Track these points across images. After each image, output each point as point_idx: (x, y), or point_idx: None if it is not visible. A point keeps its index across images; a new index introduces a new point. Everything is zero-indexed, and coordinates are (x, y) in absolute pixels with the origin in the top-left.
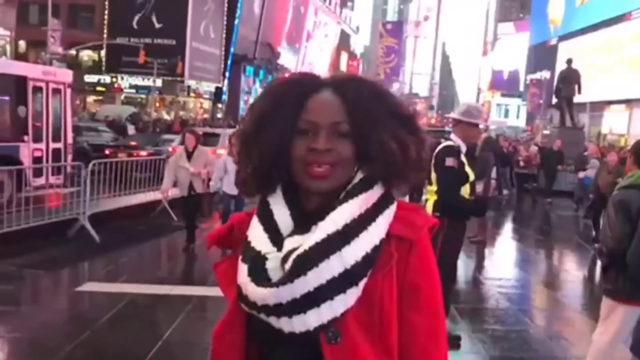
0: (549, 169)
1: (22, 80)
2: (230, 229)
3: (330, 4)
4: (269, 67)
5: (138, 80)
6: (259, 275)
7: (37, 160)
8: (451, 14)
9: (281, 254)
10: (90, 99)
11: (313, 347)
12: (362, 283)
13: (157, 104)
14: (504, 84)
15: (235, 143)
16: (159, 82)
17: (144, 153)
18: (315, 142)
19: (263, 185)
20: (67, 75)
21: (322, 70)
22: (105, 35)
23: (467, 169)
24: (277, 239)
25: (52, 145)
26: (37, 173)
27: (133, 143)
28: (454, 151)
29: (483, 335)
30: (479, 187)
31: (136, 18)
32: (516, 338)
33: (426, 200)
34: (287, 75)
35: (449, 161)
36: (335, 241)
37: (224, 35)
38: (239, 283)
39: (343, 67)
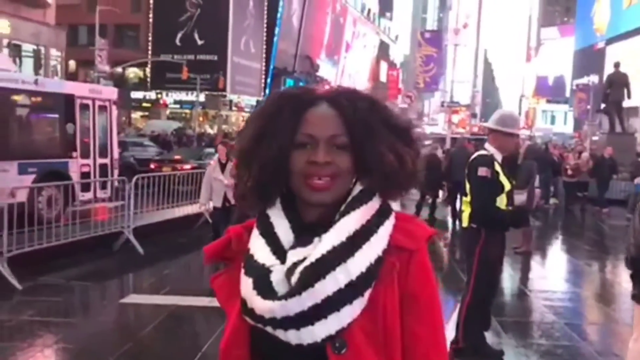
0: (601, 177)
1: (70, 99)
2: (228, 242)
3: (368, 14)
4: (309, 80)
5: (182, 96)
6: (265, 289)
7: (84, 175)
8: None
9: (285, 267)
10: (137, 114)
11: (318, 358)
12: (367, 293)
13: (201, 119)
14: (549, 90)
15: (234, 158)
16: (202, 97)
17: (187, 167)
18: (314, 155)
19: (263, 198)
20: (112, 92)
21: (362, 81)
22: (150, 53)
23: (502, 178)
24: (279, 252)
25: (99, 161)
26: (85, 188)
27: (177, 157)
28: (487, 161)
29: (528, 350)
30: (523, 197)
31: (179, 35)
32: (563, 353)
33: (461, 211)
34: (283, 89)
35: (482, 171)
36: (340, 253)
37: (264, 50)
38: (243, 296)
39: (383, 77)
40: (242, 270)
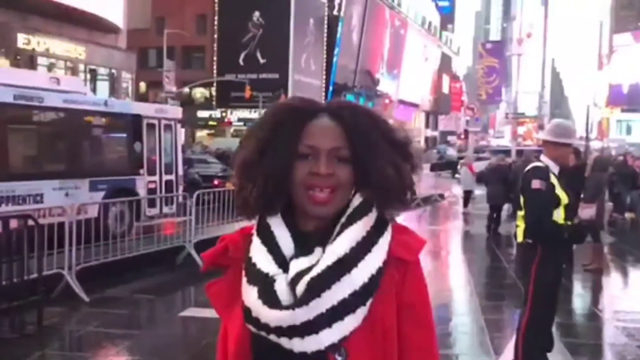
0: None
1: (137, 119)
2: (225, 249)
3: (429, 27)
4: (369, 94)
5: (246, 114)
6: (270, 298)
7: (151, 191)
8: (560, 28)
9: (288, 276)
10: (204, 133)
11: None
12: (368, 302)
13: None
14: (624, 99)
15: (236, 169)
16: None
17: None
18: (316, 166)
19: (266, 208)
20: (177, 111)
21: (423, 94)
22: (215, 73)
23: (559, 191)
24: (281, 260)
25: (165, 177)
26: (151, 204)
27: None
28: (541, 173)
29: None
30: (591, 211)
31: (242, 55)
32: None
33: (516, 226)
34: (283, 101)
35: (536, 183)
36: (345, 264)
37: (324, 66)
38: (247, 305)
39: (445, 89)
40: (245, 279)
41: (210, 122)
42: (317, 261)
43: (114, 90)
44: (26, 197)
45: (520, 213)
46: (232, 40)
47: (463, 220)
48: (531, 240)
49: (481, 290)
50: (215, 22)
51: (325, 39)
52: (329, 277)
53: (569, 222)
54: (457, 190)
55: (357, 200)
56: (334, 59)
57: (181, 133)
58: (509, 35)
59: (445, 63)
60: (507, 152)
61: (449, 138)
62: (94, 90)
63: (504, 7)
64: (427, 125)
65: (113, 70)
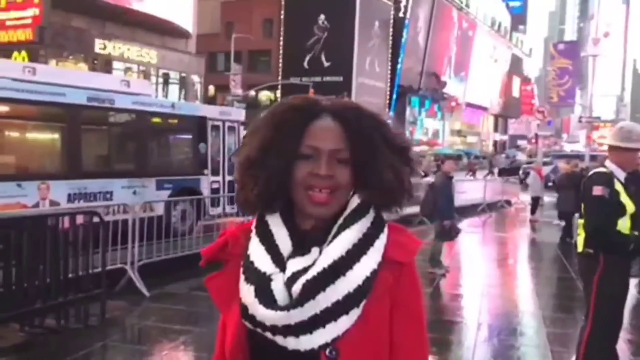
0: None
1: (202, 121)
2: (225, 244)
3: (499, 28)
4: (435, 97)
5: None
6: (267, 297)
7: (214, 191)
8: None
9: (284, 275)
10: None
11: None
12: (362, 304)
13: None
14: None
15: (238, 166)
16: None
17: None
18: (317, 167)
19: (266, 206)
20: (240, 114)
21: (492, 97)
22: (280, 77)
23: (624, 199)
24: (278, 260)
25: (228, 178)
26: (215, 203)
27: None
28: (604, 178)
29: None
30: None
31: (307, 58)
32: None
33: (577, 235)
34: (287, 100)
35: (597, 190)
36: (340, 266)
37: (388, 69)
38: (244, 302)
39: (515, 92)
40: (242, 277)
41: None
42: (314, 262)
43: (183, 93)
44: (97, 194)
45: (581, 221)
46: (297, 43)
47: (530, 228)
48: (592, 250)
49: (546, 301)
50: (281, 26)
51: (390, 41)
52: (324, 279)
53: (636, 233)
54: (526, 197)
55: (355, 201)
56: (399, 62)
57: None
58: (585, 35)
59: (515, 65)
60: (579, 157)
61: (519, 142)
62: (165, 93)
63: (580, 6)
64: (495, 129)
65: (183, 74)
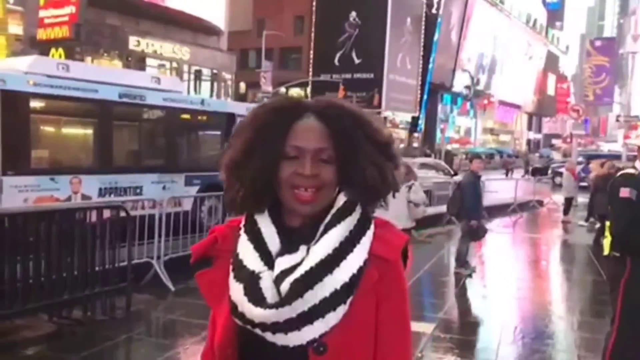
0: None
1: (231, 117)
2: (214, 241)
3: (534, 25)
4: (468, 94)
5: None
6: (256, 295)
7: None
8: None
9: (273, 273)
10: None
11: (299, 356)
12: (349, 300)
13: None
14: None
15: (224, 168)
16: None
17: None
18: (301, 167)
19: (253, 206)
20: None
21: (526, 95)
22: (310, 74)
23: None
24: (267, 257)
25: None
26: None
27: None
28: (632, 180)
29: None
30: None
31: (337, 55)
32: None
33: (604, 237)
34: (270, 102)
35: (624, 192)
36: (328, 264)
37: (420, 66)
38: (234, 300)
39: (551, 90)
40: (232, 274)
41: None
42: (302, 260)
43: (214, 90)
44: (127, 188)
45: (608, 223)
46: (328, 40)
47: (562, 229)
48: (619, 254)
49: (575, 305)
50: (313, 23)
51: (422, 38)
52: (312, 278)
53: None
54: (559, 197)
55: (341, 199)
56: (431, 59)
57: None
58: (625, 31)
59: (551, 62)
60: (617, 158)
61: (554, 141)
62: (197, 89)
63: (621, 1)
64: (529, 128)
65: (215, 71)
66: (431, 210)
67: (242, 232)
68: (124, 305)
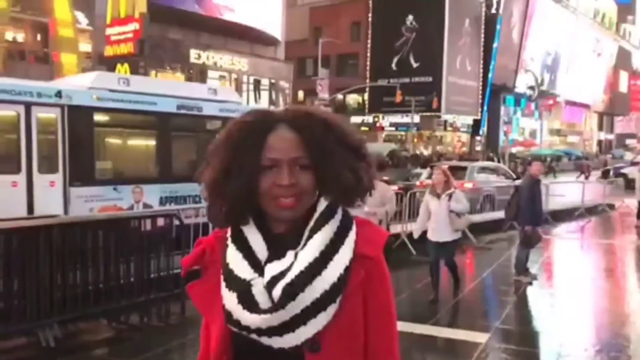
0: None
1: None
2: (202, 253)
3: (603, 19)
4: (532, 95)
5: (397, 118)
6: (249, 302)
7: None
8: None
9: (263, 279)
10: None
11: (295, 357)
12: (338, 299)
13: (415, 140)
14: None
15: (205, 186)
16: (417, 119)
17: (394, 187)
18: (279, 178)
19: (238, 219)
20: None
21: (595, 93)
22: (367, 79)
23: None
24: (256, 265)
25: None
26: None
27: (386, 178)
28: None
29: None
30: None
31: (395, 60)
32: None
33: None
34: (241, 117)
35: None
36: (316, 267)
37: (480, 67)
38: (228, 309)
39: (623, 87)
40: (224, 284)
41: (363, 128)
42: (291, 265)
43: (273, 99)
44: (186, 197)
45: None
46: (385, 45)
47: (637, 235)
48: None
49: None
50: (369, 29)
51: (482, 39)
52: (302, 281)
53: None
54: (632, 201)
55: (322, 204)
56: (492, 60)
57: None
58: None
59: (623, 58)
60: None
61: (628, 141)
62: (257, 99)
63: None
64: (600, 128)
65: (273, 80)
66: (492, 216)
67: (229, 242)
68: (179, 311)
